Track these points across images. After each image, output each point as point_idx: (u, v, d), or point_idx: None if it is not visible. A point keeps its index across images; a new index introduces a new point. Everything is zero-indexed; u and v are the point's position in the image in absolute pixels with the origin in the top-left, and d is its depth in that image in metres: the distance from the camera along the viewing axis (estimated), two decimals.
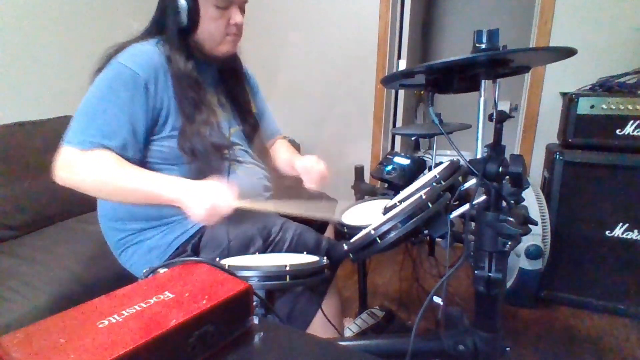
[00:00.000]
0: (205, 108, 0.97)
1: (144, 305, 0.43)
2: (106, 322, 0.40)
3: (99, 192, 0.89)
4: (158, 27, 0.97)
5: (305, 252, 0.89)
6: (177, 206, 0.84)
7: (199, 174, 0.93)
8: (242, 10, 1.00)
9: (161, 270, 0.54)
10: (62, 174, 0.84)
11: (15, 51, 1.65)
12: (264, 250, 0.90)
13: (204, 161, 0.94)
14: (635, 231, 1.53)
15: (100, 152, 0.84)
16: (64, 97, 1.81)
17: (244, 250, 0.90)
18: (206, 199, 0.81)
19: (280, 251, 0.91)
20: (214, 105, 1.01)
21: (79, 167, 0.83)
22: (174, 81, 0.93)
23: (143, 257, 0.98)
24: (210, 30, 0.95)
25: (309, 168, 1.10)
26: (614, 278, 1.58)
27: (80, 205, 1.65)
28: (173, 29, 0.93)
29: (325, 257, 0.81)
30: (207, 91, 1.00)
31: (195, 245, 0.94)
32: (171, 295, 0.45)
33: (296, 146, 2.46)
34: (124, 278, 1.02)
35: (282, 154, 1.26)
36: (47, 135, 1.61)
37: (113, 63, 0.89)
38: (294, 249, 0.91)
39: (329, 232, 1.27)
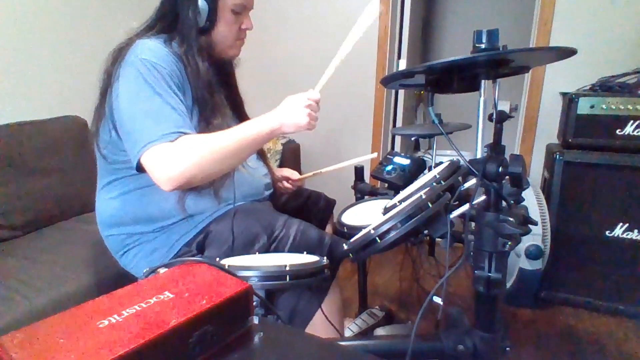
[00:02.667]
0: (219, 113, 0.97)
1: (144, 305, 0.43)
2: (106, 322, 0.40)
3: (213, 163, 0.85)
4: (165, 25, 0.95)
5: (308, 248, 0.89)
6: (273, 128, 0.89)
7: None
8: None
9: (161, 270, 0.54)
10: (171, 169, 0.81)
11: (15, 51, 1.65)
12: (268, 246, 0.91)
13: None
14: (635, 231, 1.53)
15: (184, 137, 0.83)
16: (64, 97, 1.81)
17: (249, 247, 0.90)
18: (296, 106, 0.90)
19: (284, 247, 0.91)
20: (224, 108, 1.01)
21: (182, 153, 0.81)
22: (192, 83, 0.92)
23: (146, 257, 0.98)
24: (225, 34, 0.97)
25: (286, 177, 1.27)
26: (614, 278, 1.58)
27: (80, 205, 1.65)
28: (190, 28, 0.92)
29: (325, 257, 0.81)
30: (218, 93, 1.00)
31: (200, 243, 0.95)
32: (171, 295, 0.45)
33: (296, 146, 2.45)
34: (124, 278, 1.02)
35: None
36: (47, 135, 1.61)
37: (134, 61, 0.85)
38: (298, 245, 0.91)
39: (327, 230, 1.27)
